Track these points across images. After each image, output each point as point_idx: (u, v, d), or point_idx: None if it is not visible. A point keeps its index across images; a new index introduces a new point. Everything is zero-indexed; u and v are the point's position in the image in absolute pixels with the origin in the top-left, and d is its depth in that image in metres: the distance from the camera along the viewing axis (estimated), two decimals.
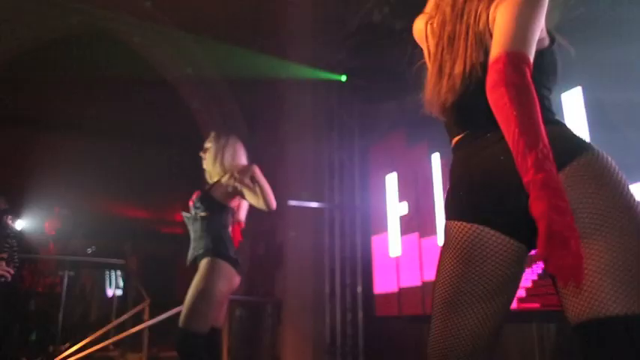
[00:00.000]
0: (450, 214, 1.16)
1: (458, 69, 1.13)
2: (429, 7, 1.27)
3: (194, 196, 2.77)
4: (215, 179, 2.83)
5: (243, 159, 2.93)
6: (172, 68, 6.31)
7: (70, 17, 5.74)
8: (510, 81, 1.00)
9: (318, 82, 5.07)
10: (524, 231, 1.03)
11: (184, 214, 2.79)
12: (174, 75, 6.37)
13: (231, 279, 2.59)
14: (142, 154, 8.28)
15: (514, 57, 1.02)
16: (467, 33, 1.14)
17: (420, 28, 1.29)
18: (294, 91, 5.28)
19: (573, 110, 2.72)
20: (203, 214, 2.68)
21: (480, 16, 1.13)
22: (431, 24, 1.23)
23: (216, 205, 2.70)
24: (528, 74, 1.01)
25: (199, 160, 2.94)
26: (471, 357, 1.09)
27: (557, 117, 1.15)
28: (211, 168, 2.84)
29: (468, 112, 1.16)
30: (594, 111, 2.64)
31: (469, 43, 1.13)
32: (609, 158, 1.03)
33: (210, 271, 2.55)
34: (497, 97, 1.00)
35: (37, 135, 7.87)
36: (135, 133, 8.14)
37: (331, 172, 5.14)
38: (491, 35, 1.10)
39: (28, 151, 7.78)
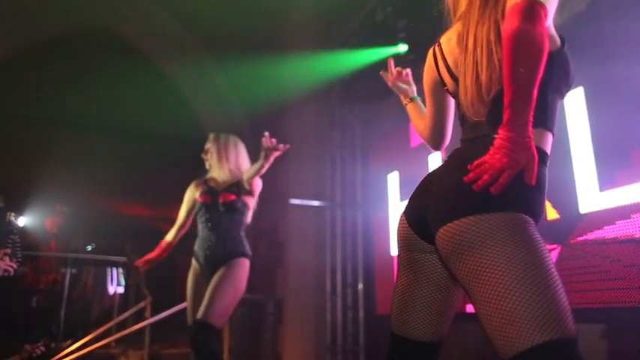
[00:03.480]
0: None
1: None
2: None
3: (228, 198, 2.76)
4: (222, 179, 2.83)
5: (245, 156, 2.94)
6: (174, 67, 6.32)
7: (69, 15, 5.74)
8: (519, 27, 0.94)
9: (319, 80, 5.06)
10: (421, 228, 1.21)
11: (202, 212, 2.81)
12: (175, 74, 6.37)
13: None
14: (144, 151, 8.29)
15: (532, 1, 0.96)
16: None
17: None
18: (295, 89, 5.28)
19: (575, 111, 2.72)
20: (235, 214, 2.76)
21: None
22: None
23: (244, 207, 2.79)
24: (543, 21, 0.96)
25: (201, 158, 2.96)
26: (425, 316, 1.23)
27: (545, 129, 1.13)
28: (216, 169, 2.85)
29: None
30: (596, 112, 2.64)
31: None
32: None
33: (243, 270, 2.67)
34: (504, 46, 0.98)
35: (38, 133, 7.88)
36: (136, 131, 8.14)
37: (333, 170, 5.14)
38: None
39: (29, 149, 7.80)
